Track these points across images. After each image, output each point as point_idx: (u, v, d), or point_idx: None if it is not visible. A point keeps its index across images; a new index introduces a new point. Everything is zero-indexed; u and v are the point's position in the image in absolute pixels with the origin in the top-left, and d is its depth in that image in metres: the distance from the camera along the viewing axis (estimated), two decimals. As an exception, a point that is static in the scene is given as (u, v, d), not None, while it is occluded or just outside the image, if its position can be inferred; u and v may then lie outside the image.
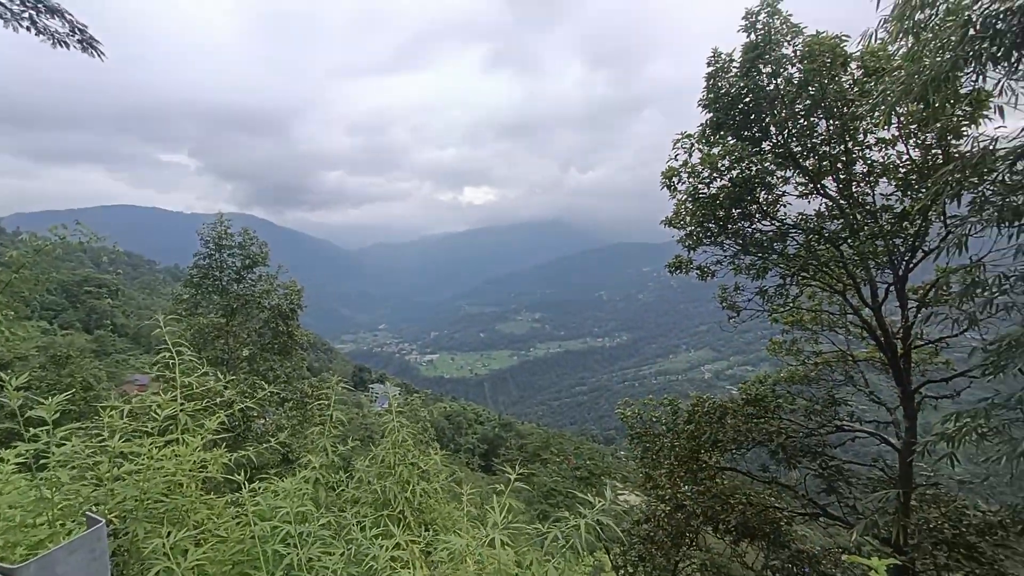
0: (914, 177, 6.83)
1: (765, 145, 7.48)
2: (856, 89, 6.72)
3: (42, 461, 1.94)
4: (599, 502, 2.51)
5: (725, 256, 8.55)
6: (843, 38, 6.64)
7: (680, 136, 7.98)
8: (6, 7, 6.85)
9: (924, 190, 5.90)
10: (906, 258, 7.07)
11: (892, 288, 7.31)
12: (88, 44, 7.48)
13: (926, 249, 6.90)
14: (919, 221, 6.72)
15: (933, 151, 6.69)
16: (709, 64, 7.41)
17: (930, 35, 4.39)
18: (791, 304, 9.05)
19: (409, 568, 2.38)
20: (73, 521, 1.80)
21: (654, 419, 10.47)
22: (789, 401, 9.26)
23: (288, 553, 2.04)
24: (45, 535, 1.70)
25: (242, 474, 2.38)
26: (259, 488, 2.51)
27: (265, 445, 3.53)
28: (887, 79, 4.97)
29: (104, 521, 1.20)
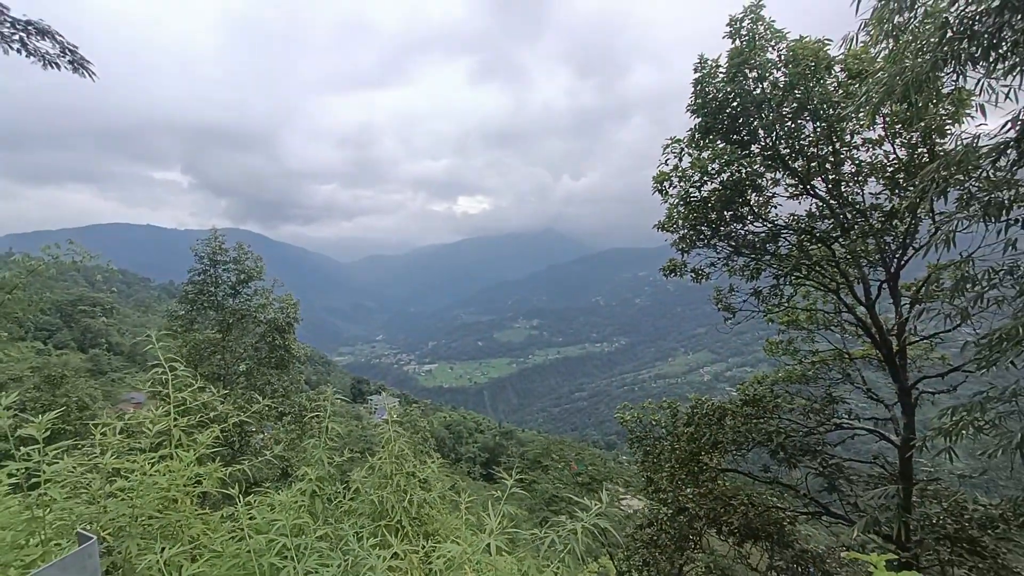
0: (901, 175, 6.91)
1: (754, 148, 7.56)
2: (840, 91, 6.82)
3: (34, 480, 1.92)
4: (596, 505, 2.51)
5: (719, 258, 8.60)
6: (825, 42, 6.75)
7: (670, 141, 8.06)
8: None
9: (911, 188, 5.98)
10: (897, 255, 7.14)
11: (885, 285, 7.37)
12: (79, 64, 7.52)
13: (916, 246, 6.97)
14: (908, 219, 6.80)
15: (919, 150, 6.78)
16: (696, 70, 7.51)
17: (910, 37, 4.47)
18: (786, 304, 9.10)
19: (407, 578, 2.37)
20: (66, 540, 1.78)
21: (654, 422, 10.46)
22: (788, 401, 9.27)
23: (284, 566, 2.03)
24: (38, 555, 1.68)
25: (238, 489, 2.36)
26: (254, 502, 2.49)
27: (261, 459, 3.51)
28: (870, 81, 5.05)
29: (96, 538, 1.20)
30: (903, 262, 7.15)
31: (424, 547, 2.60)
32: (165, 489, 2.02)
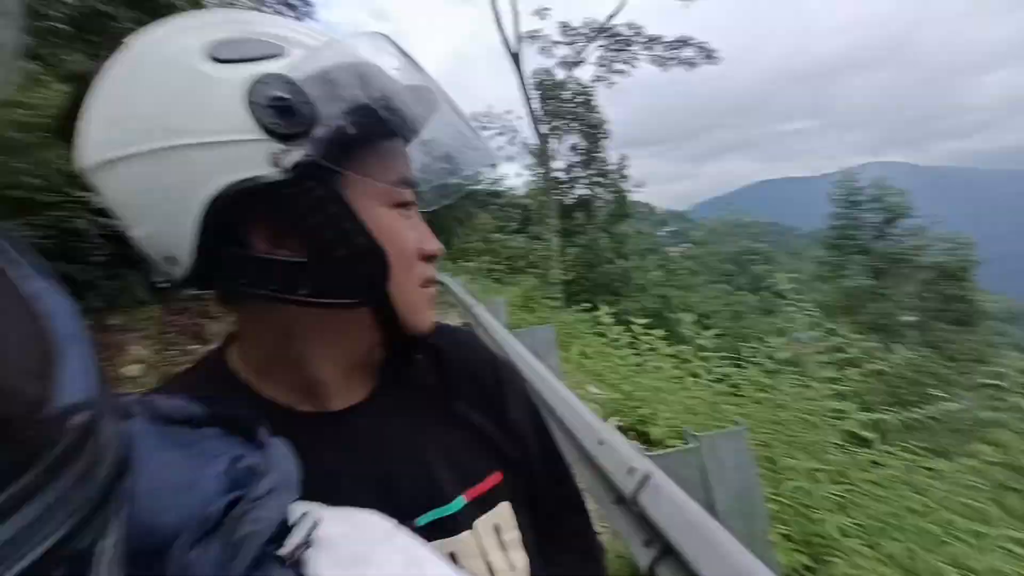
0: None
1: None
2: None
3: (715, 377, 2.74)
4: None
5: None
6: None
7: None
8: (661, 56, 9.35)
9: None
10: None
11: None
12: (709, 56, 9.64)
13: None
14: None
15: None
16: None
17: None
18: None
19: None
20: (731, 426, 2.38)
21: None
22: None
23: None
24: (714, 424, 2.35)
25: (881, 438, 2.26)
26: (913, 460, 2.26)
27: (919, 416, 3.14)
28: None
29: (745, 428, 1.52)
30: None
31: None
32: (801, 411, 2.20)
